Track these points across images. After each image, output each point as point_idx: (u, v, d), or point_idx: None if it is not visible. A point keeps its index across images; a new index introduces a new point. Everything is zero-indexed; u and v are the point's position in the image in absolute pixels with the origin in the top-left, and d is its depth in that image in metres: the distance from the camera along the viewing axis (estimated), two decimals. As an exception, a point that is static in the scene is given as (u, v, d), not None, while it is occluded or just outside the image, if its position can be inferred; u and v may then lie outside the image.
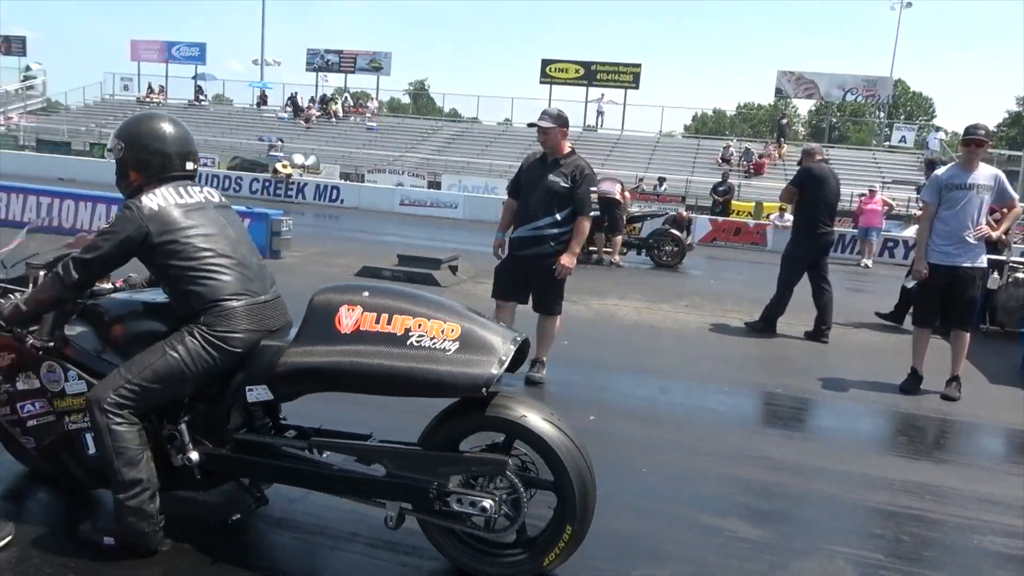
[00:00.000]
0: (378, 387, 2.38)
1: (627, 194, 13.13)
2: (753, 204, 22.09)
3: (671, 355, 6.27)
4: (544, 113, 4.88)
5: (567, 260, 4.76)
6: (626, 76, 32.59)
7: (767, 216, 19.90)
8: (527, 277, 4.90)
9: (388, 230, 16.04)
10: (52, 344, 2.60)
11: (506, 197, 5.26)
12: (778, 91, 32.52)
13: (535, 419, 2.37)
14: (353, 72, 35.88)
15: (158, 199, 2.51)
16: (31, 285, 2.62)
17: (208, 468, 2.56)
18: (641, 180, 24.20)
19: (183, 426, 2.53)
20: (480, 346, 2.30)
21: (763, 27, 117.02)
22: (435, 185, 24.39)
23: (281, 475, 2.60)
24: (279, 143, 25.17)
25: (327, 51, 35.89)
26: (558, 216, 4.76)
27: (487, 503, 2.34)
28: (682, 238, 12.61)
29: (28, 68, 37.38)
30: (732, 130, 52.01)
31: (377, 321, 2.34)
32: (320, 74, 35.86)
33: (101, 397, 2.40)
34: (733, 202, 21.55)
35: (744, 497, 3.46)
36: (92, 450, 2.53)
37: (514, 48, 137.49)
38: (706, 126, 56.64)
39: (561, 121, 4.82)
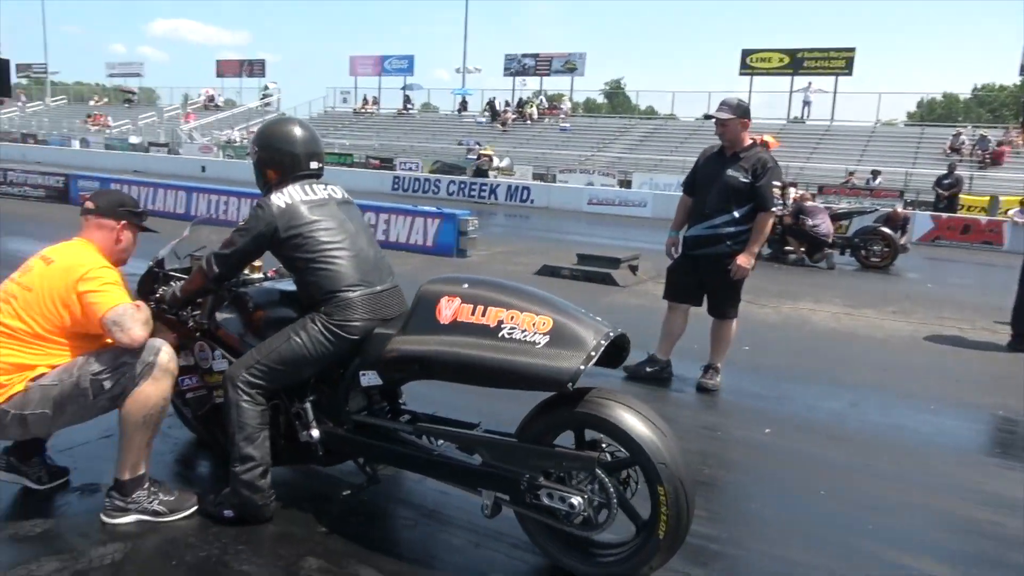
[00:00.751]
0: (470, 377, 2.42)
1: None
2: (988, 198, 19.49)
3: (869, 366, 5.64)
4: (723, 104, 4.59)
5: (744, 260, 4.45)
6: (837, 62, 30.11)
7: (1005, 211, 17.46)
8: (701, 278, 4.65)
9: (575, 229, 16.12)
10: (206, 326, 2.93)
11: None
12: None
13: (601, 403, 2.31)
14: (548, 74, 36.52)
15: (285, 197, 2.71)
16: None
17: (328, 446, 2.74)
18: (852, 174, 22.34)
19: (308, 405, 2.74)
20: (570, 340, 2.27)
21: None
22: (625, 184, 24.09)
23: (389, 457, 2.73)
24: (476, 146, 26.25)
25: (524, 55, 36.83)
26: (736, 213, 4.47)
27: (576, 500, 2.30)
28: (894, 237, 11.34)
29: (266, 87, 42.53)
30: (966, 116, 46.27)
31: (473, 312, 2.39)
32: (517, 78, 36.92)
33: (236, 375, 2.64)
34: (961, 196, 19.15)
35: (941, 533, 3.01)
36: None
37: (713, 40, 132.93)
38: (934, 112, 50.80)
39: (741, 111, 4.51)
